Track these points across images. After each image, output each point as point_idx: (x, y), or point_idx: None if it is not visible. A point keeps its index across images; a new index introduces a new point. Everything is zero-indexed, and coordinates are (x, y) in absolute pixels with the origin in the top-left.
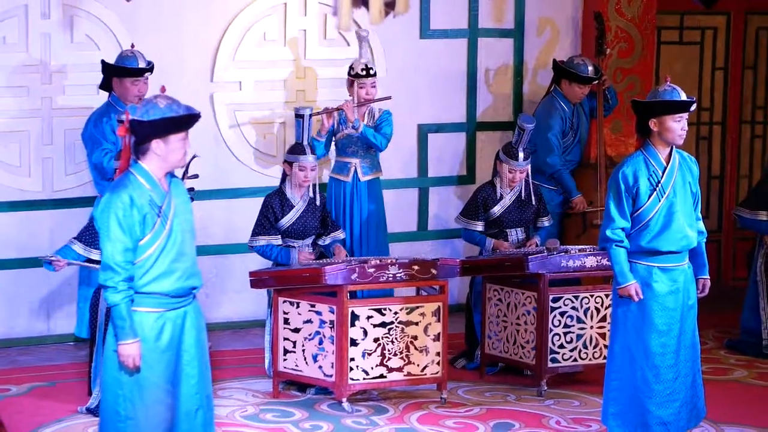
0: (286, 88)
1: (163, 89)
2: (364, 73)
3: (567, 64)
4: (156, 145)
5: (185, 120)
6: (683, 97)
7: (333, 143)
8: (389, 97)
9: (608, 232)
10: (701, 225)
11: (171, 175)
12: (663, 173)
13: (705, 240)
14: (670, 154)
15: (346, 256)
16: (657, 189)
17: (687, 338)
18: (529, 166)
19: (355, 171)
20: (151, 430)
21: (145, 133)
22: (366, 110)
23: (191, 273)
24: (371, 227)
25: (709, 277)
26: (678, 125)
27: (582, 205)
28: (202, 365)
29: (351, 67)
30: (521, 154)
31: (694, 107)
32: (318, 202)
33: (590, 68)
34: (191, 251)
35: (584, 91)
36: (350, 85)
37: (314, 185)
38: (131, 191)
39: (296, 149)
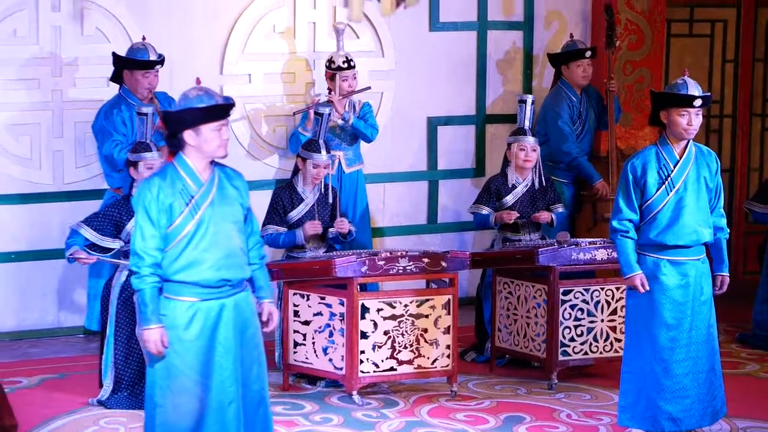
0: (296, 80)
1: (198, 81)
2: (346, 65)
3: (561, 50)
4: (188, 135)
5: (213, 110)
6: (691, 91)
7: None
8: (369, 87)
9: (615, 223)
10: (722, 221)
11: (221, 167)
12: (675, 167)
13: (726, 237)
14: (685, 147)
15: (350, 229)
16: (666, 182)
17: (700, 334)
18: (539, 147)
19: (340, 163)
20: (178, 419)
21: (174, 124)
22: (347, 103)
23: (224, 265)
24: (356, 218)
25: (727, 274)
26: (682, 119)
27: (605, 190)
28: (240, 359)
29: (331, 61)
30: (528, 131)
31: (698, 102)
32: (330, 199)
33: (579, 45)
34: (228, 243)
35: (586, 68)
36: (330, 78)
37: (327, 181)
38: (162, 179)
39: (311, 146)
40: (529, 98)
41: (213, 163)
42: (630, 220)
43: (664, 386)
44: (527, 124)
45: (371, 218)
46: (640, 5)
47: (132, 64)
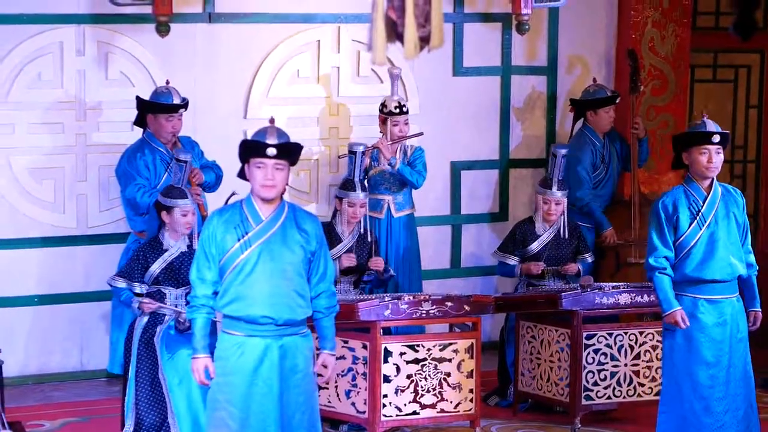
0: (320, 125)
1: (271, 120)
2: (398, 110)
3: (585, 96)
4: (246, 169)
5: (252, 146)
6: (709, 129)
7: (366, 180)
8: (421, 133)
9: (651, 260)
10: (751, 258)
11: (294, 208)
12: (704, 203)
13: (756, 273)
14: (711, 184)
15: (385, 266)
16: (698, 218)
17: (737, 371)
18: (565, 200)
19: (388, 208)
20: None
21: (240, 157)
22: (398, 147)
23: (269, 303)
24: (405, 263)
25: (760, 310)
26: (703, 157)
27: (612, 239)
28: (284, 403)
29: (383, 105)
30: (555, 184)
31: (717, 139)
32: (369, 239)
33: (608, 92)
34: (277, 282)
35: (611, 114)
36: (382, 122)
37: (365, 221)
38: (223, 213)
39: (347, 185)
40: (560, 151)
41: (288, 204)
42: (666, 257)
43: (705, 424)
44: (555, 176)
45: None
46: (663, 50)
47: (156, 108)
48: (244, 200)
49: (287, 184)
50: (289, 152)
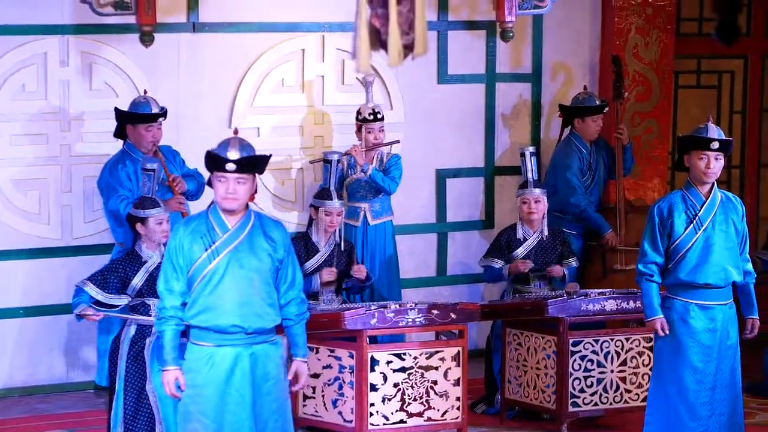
0: (304, 133)
1: (235, 132)
2: (372, 117)
3: (574, 103)
4: (213, 179)
5: (212, 158)
6: (710, 135)
7: (343, 188)
8: (397, 141)
9: (641, 266)
10: (749, 266)
11: (260, 216)
12: (701, 207)
13: (754, 281)
14: (710, 190)
15: (367, 274)
16: (694, 222)
17: (724, 378)
18: (544, 198)
19: (365, 215)
20: None
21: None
22: (375, 154)
23: (238, 312)
24: (382, 271)
25: (758, 317)
26: (701, 162)
27: (614, 241)
28: (257, 411)
29: (358, 112)
30: (531, 183)
31: (716, 145)
32: (342, 248)
33: (597, 100)
34: (245, 291)
35: (599, 123)
36: (358, 129)
37: (340, 230)
38: (188, 223)
39: (323, 194)
40: (528, 150)
41: (254, 212)
42: (655, 263)
43: (688, 428)
44: (529, 176)
45: None
46: (647, 57)
47: (134, 118)
48: (210, 210)
49: (256, 192)
50: (253, 165)
